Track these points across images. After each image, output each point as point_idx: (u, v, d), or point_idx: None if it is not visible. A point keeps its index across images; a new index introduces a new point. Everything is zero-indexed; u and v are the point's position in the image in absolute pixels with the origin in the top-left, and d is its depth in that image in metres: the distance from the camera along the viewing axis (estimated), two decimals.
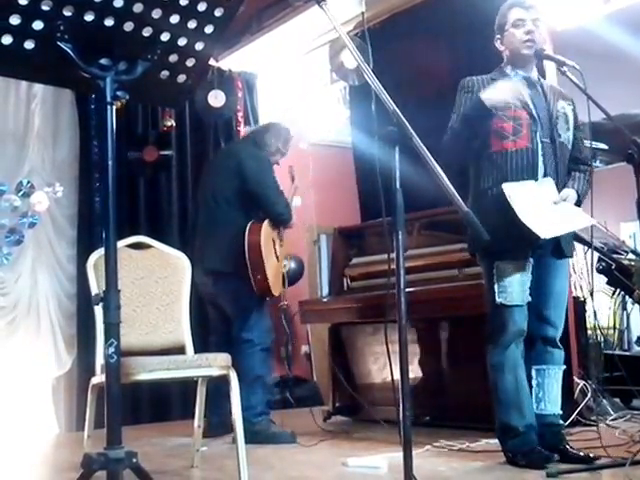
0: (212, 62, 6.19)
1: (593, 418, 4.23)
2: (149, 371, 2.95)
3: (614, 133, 3.30)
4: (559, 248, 3.32)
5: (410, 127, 1.98)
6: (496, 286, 3.27)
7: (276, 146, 4.71)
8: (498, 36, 3.42)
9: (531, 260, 3.28)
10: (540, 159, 3.27)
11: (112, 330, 1.91)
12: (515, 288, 3.23)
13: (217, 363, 3.11)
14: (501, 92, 3.20)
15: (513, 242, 3.20)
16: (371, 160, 4.66)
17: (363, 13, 2.38)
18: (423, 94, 5.08)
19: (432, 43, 5.38)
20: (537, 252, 3.30)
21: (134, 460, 1.93)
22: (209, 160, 5.66)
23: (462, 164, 3.44)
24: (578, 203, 3.36)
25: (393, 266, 2.07)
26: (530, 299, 3.28)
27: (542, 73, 4.28)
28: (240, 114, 6.41)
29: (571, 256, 3.49)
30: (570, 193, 3.31)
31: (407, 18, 5.54)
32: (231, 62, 6.38)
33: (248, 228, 4.38)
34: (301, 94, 6.93)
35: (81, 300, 5.43)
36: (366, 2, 5.26)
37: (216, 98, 6.07)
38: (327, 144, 7.46)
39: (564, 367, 3.44)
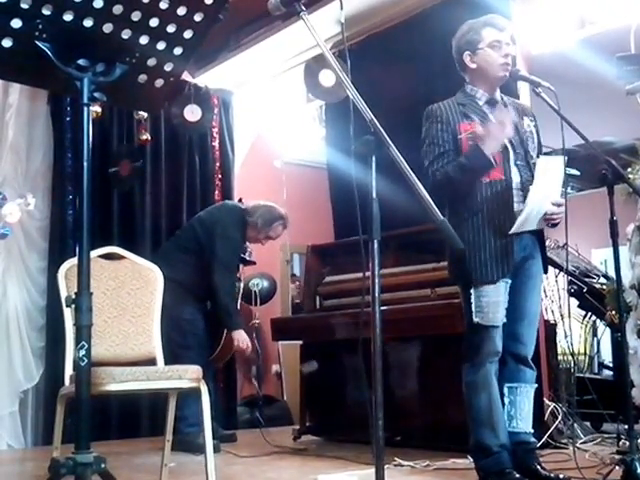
0: (188, 78, 6.21)
1: (564, 441, 4.22)
2: (119, 381, 2.89)
3: (585, 160, 3.28)
4: (542, 263, 3.33)
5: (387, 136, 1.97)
6: (473, 306, 3.22)
7: (256, 222, 5.01)
8: (468, 52, 3.31)
9: (508, 281, 3.24)
10: (515, 192, 3.22)
11: (83, 332, 1.87)
12: (492, 309, 3.19)
13: (188, 375, 3.07)
14: (498, 138, 3.12)
15: (489, 267, 3.20)
16: (345, 179, 4.69)
17: (342, 26, 2.37)
18: (396, 115, 5.10)
19: (407, 64, 5.42)
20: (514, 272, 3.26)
21: (103, 465, 1.89)
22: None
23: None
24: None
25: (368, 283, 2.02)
26: (505, 319, 3.24)
27: (516, 94, 4.33)
28: (215, 130, 6.43)
29: (546, 272, 3.48)
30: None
31: (383, 39, 5.60)
32: (207, 79, 6.40)
33: None
34: (277, 113, 6.95)
35: (50, 313, 5.36)
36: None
37: (192, 113, 6.09)
38: (301, 163, 7.48)
39: (536, 386, 3.41)
